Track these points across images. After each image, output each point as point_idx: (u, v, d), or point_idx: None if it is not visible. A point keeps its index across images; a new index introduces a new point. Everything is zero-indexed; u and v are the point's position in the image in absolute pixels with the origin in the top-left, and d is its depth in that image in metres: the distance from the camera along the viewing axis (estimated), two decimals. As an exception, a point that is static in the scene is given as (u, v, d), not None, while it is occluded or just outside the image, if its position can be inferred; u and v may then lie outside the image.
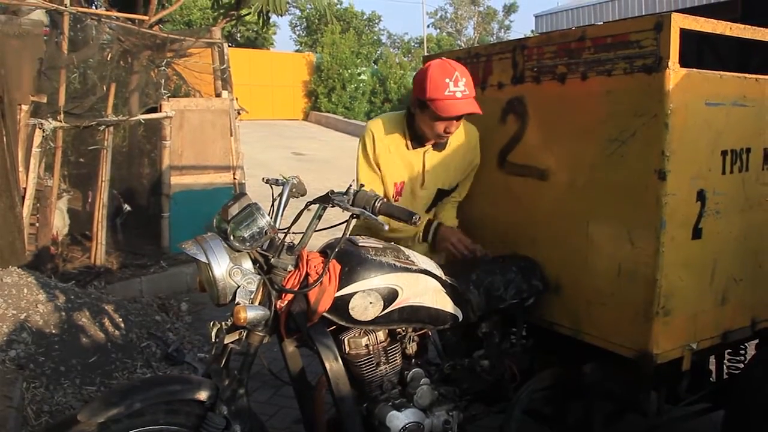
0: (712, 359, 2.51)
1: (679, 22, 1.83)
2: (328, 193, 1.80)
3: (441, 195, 2.43)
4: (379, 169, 2.33)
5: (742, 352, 2.50)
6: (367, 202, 1.76)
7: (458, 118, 2.21)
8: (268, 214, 1.78)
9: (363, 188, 1.81)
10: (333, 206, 1.79)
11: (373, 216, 1.74)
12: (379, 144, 2.31)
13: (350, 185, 1.79)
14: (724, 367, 2.55)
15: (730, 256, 2.11)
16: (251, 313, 1.68)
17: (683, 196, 1.94)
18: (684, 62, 1.87)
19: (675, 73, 1.84)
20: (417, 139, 2.32)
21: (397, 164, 2.33)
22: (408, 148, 2.33)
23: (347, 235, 1.86)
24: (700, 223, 1.99)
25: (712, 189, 2.00)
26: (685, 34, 1.86)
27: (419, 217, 1.77)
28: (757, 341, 2.44)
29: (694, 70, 1.91)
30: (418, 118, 2.26)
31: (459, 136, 2.35)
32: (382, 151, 2.31)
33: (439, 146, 2.34)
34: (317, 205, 1.84)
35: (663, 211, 1.88)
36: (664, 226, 1.89)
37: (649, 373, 2.02)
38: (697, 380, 2.36)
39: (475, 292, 2.15)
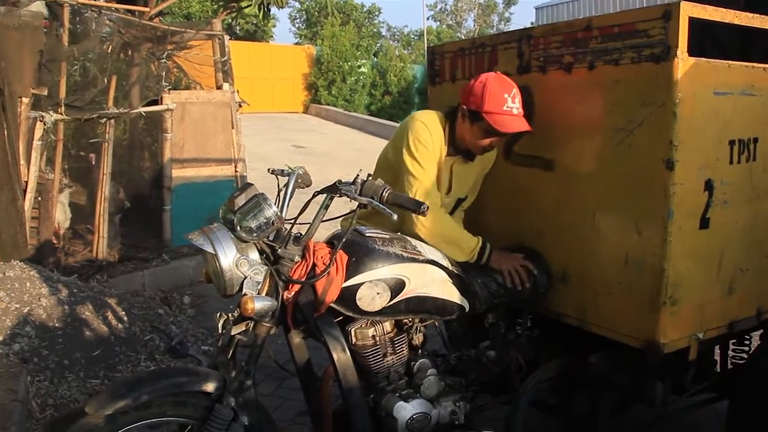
0: (717, 349, 2.51)
1: (688, 11, 1.81)
2: (335, 182, 1.79)
3: (459, 203, 2.39)
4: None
5: (747, 342, 2.50)
6: (375, 192, 1.75)
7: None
8: (274, 205, 1.77)
9: (370, 178, 1.80)
10: (340, 196, 1.78)
11: (381, 205, 1.73)
12: (440, 144, 2.22)
13: (357, 175, 1.78)
14: (729, 358, 2.55)
15: (737, 246, 2.11)
16: (258, 303, 1.68)
17: (691, 186, 1.93)
18: (688, 52, 1.85)
19: (683, 63, 1.82)
20: (453, 147, 2.25)
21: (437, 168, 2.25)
22: (445, 154, 2.25)
23: (354, 226, 1.85)
24: (708, 212, 1.98)
25: (720, 179, 2.00)
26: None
27: (427, 207, 1.76)
28: (761, 331, 2.44)
29: (703, 59, 1.89)
30: (462, 128, 2.20)
31: None
32: (439, 151, 2.22)
33: (468, 156, 2.28)
34: (324, 196, 1.83)
35: (671, 200, 1.87)
36: (671, 216, 1.88)
37: (655, 363, 2.01)
38: (702, 370, 2.36)
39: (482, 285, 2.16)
